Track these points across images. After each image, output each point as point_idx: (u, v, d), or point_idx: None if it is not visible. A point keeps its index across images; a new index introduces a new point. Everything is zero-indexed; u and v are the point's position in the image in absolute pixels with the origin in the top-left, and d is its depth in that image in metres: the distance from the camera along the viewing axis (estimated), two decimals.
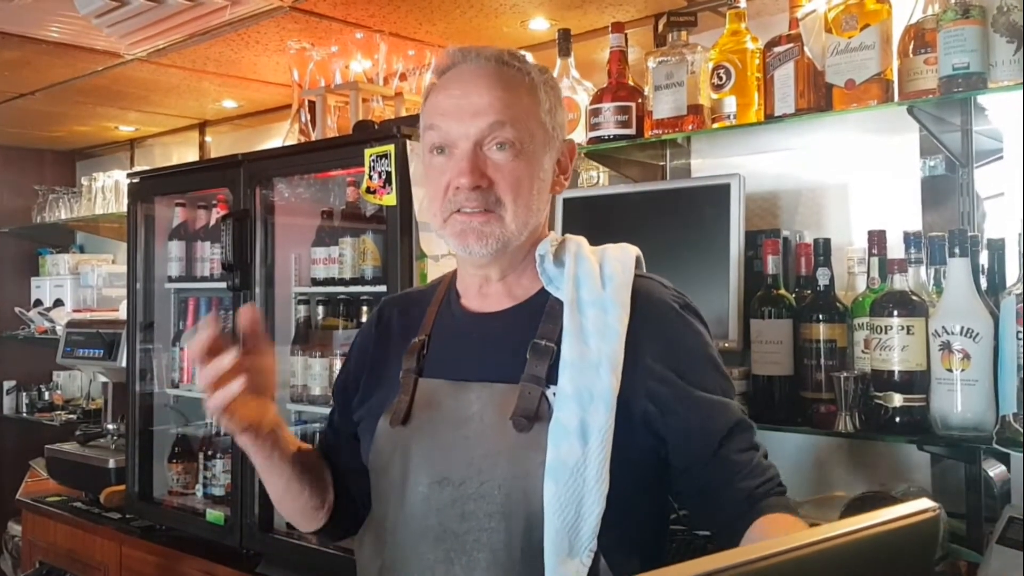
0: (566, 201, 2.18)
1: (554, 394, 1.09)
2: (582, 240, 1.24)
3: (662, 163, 2.31)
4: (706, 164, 2.27)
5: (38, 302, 4.42)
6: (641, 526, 1.15)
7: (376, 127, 2.40)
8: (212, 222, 2.98)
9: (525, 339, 1.14)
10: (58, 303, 4.32)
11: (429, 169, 1.18)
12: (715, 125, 1.97)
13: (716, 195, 1.94)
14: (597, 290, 1.14)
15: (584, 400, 1.06)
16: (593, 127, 2.13)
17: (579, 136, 2.22)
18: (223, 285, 2.65)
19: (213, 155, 3.98)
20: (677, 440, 1.13)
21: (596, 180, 2.44)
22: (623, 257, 1.19)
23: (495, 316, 1.20)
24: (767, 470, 1.11)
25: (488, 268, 1.19)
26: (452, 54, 1.18)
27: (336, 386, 1.41)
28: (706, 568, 0.56)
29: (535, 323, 1.15)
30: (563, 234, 1.25)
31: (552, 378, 1.10)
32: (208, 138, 4.10)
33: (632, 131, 2.09)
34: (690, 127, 1.99)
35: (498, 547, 1.07)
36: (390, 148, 2.20)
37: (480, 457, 1.10)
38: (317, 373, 2.49)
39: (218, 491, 2.79)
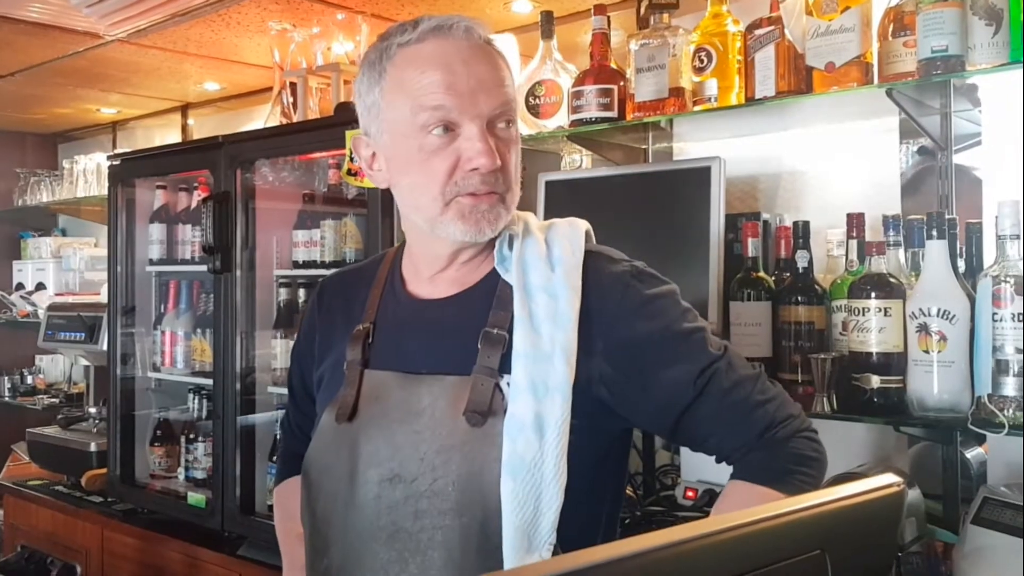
0: (548, 184, 2.18)
1: (508, 384, 1.05)
2: (530, 217, 1.18)
3: (644, 146, 2.31)
4: (687, 147, 2.27)
5: (20, 286, 4.39)
6: (600, 511, 1.13)
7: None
8: (193, 205, 2.96)
9: (476, 327, 1.09)
10: (40, 287, 4.29)
11: (420, 151, 1.07)
12: (696, 108, 1.96)
13: (697, 178, 1.94)
14: (546, 273, 1.09)
15: (539, 392, 1.03)
16: (575, 110, 2.12)
17: (561, 119, 2.21)
18: (204, 268, 2.64)
19: (195, 138, 3.94)
20: (639, 420, 1.13)
21: (578, 163, 2.44)
22: (572, 235, 1.14)
23: (444, 302, 1.15)
24: (745, 419, 1.06)
25: (464, 251, 1.13)
26: (431, 25, 1.09)
27: (291, 383, 1.36)
28: (654, 543, 0.56)
29: (485, 309, 1.10)
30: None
31: (505, 367, 1.06)
32: (190, 121, 4.07)
33: (614, 114, 2.08)
34: (672, 110, 1.99)
35: (453, 545, 1.03)
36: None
37: (433, 453, 1.05)
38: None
39: (200, 474, 2.78)
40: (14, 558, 3.04)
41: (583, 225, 1.17)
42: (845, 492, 0.69)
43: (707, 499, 2.04)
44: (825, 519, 0.67)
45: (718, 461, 1.10)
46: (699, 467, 2.13)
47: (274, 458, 2.56)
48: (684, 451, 2.20)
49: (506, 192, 1.09)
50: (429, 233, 1.12)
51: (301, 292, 2.60)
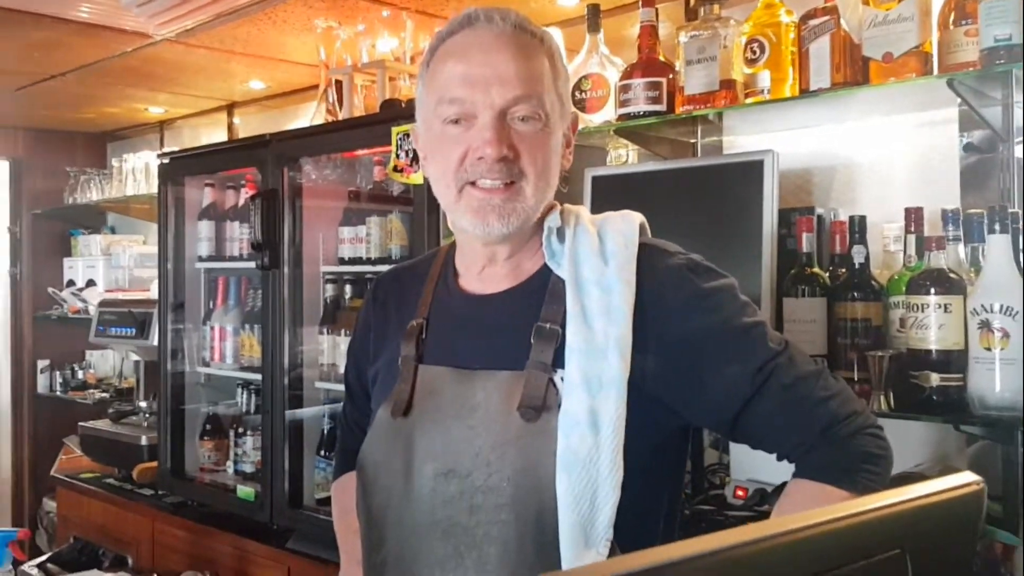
0: (595, 179, 2.16)
1: (562, 379, 1.04)
2: (582, 211, 1.17)
3: (693, 140, 2.28)
4: (738, 141, 2.24)
5: (71, 282, 4.48)
6: (658, 507, 1.12)
7: (403, 106, 2.39)
8: (241, 202, 2.99)
9: (528, 322, 1.09)
10: (90, 283, 4.37)
11: (440, 140, 1.10)
12: (748, 100, 1.93)
13: (749, 172, 1.91)
14: (599, 268, 1.08)
15: (593, 387, 1.02)
16: (623, 103, 2.10)
17: (608, 113, 2.19)
18: (252, 264, 2.67)
19: (241, 136, 3.99)
20: (697, 417, 1.11)
21: (625, 158, 2.41)
22: (625, 229, 1.12)
23: (496, 298, 1.15)
24: (807, 415, 1.03)
25: (498, 246, 1.13)
26: (463, 16, 1.11)
27: (348, 380, 1.37)
28: (729, 542, 0.55)
29: (538, 304, 1.10)
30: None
31: (559, 362, 1.05)
32: (236, 119, 4.11)
33: (663, 107, 2.06)
34: (723, 102, 1.96)
35: (509, 540, 1.03)
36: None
37: (487, 448, 1.05)
38: (344, 352, 2.50)
39: (248, 468, 2.81)
40: (67, 549, 3.10)
41: (637, 218, 1.15)
42: (924, 490, 0.67)
43: (758, 498, 2.01)
44: (905, 518, 0.66)
45: (779, 459, 1.07)
46: (749, 466, 2.10)
47: (322, 452, 2.58)
48: (734, 449, 2.17)
49: (524, 183, 1.08)
50: (456, 223, 1.14)
51: (347, 288, 2.62)
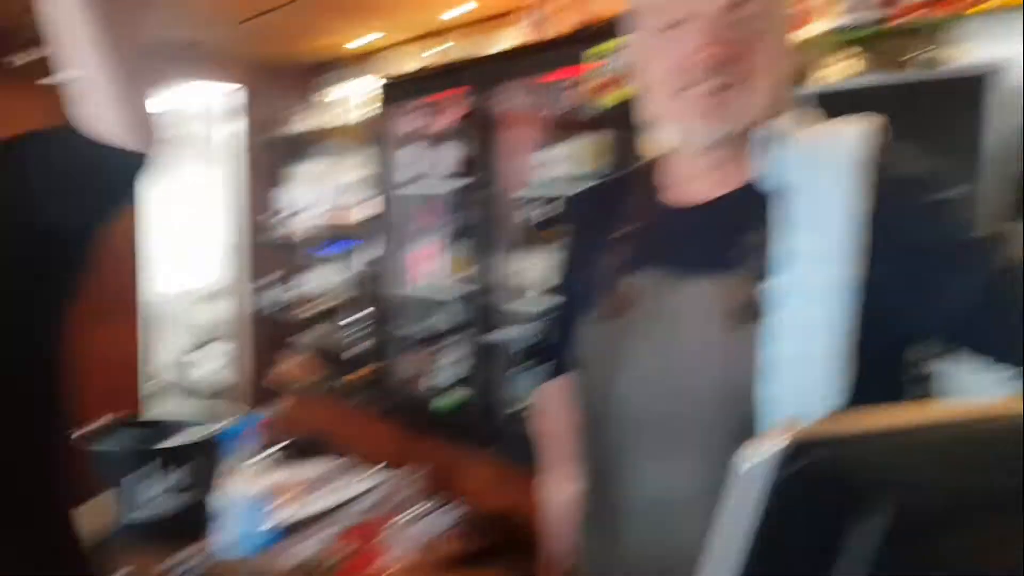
0: (806, 96, 2.08)
1: (773, 287, 1.02)
2: (810, 118, 1.12)
3: (915, 53, 2.13)
4: (964, 51, 2.07)
5: (284, 209, 4.82)
6: None
7: (604, 25, 2.39)
8: (446, 127, 3.09)
9: (739, 231, 1.06)
10: (302, 209, 4.68)
11: (655, 48, 1.08)
12: (978, 8, 1.79)
13: (973, 87, 1.77)
14: (816, 176, 1.04)
15: (806, 294, 1.00)
16: (838, 14, 2.00)
17: (823, 25, 2.09)
18: (456, 187, 2.78)
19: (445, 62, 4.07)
20: (921, 329, 1.06)
21: (842, 72, 2.29)
22: (851, 135, 1.06)
23: (705, 207, 1.13)
24: None
25: (710, 154, 1.11)
26: None
27: (555, 291, 1.41)
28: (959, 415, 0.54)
29: (749, 213, 1.07)
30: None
31: (771, 270, 1.03)
32: (441, 46, 4.20)
33: (882, 16, 1.94)
34: (950, 10, 1.82)
35: (712, 445, 1.04)
36: (617, 45, 2.18)
37: (693, 354, 1.06)
38: (544, 270, 2.57)
39: (452, 378, 2.97)
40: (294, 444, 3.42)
41: (868, 123, 1.08)
42: None
43: None
44: None
45: (1010, 376, 1.03)
46: (957, 394, 2.01)
47: (520, 365, 2.69)
48: (941, 375, 2.07)
49: (745, 87, 1.05)
50: (668, 134, 1.13)
51: (548, 208, 2.68)
